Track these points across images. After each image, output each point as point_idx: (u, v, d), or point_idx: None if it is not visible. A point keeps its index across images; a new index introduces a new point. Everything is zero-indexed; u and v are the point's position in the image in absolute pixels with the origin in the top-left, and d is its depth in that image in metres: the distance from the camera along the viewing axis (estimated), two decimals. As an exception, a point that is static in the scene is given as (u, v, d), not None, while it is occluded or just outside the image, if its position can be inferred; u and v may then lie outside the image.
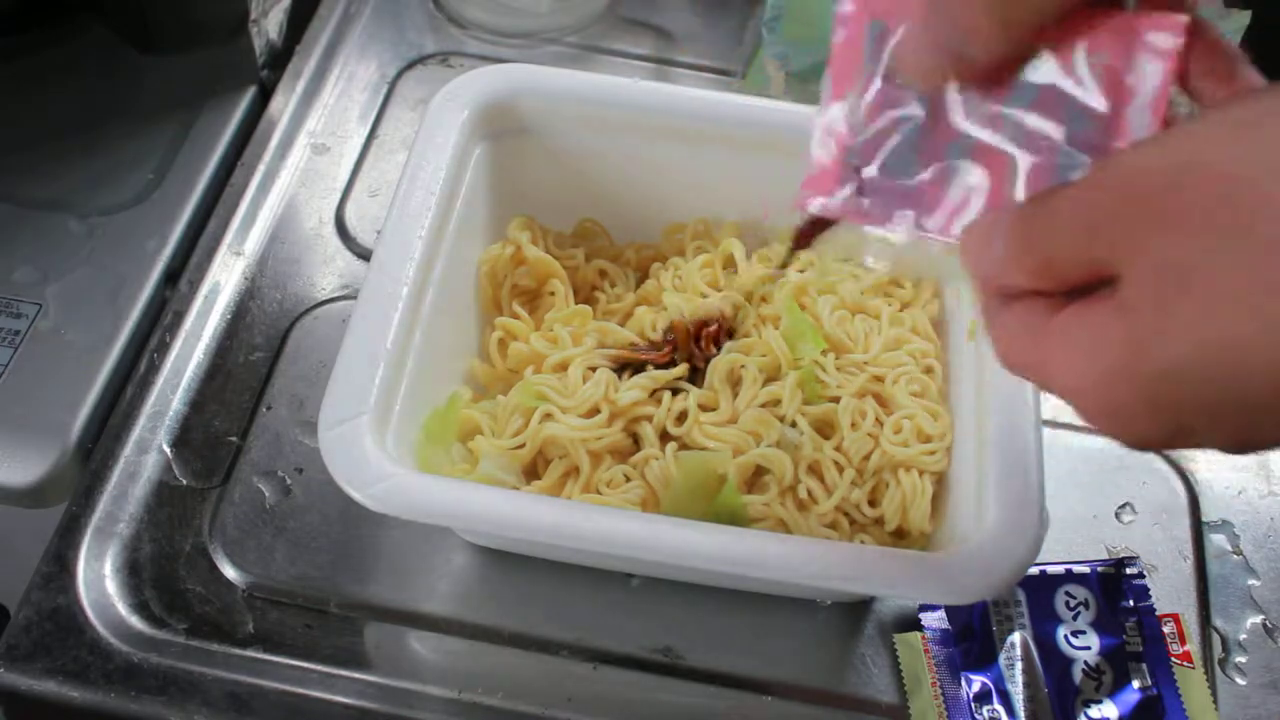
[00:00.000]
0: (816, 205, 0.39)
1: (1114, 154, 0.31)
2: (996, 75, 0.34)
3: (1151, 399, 0.30)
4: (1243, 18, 0.74)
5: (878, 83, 0.37)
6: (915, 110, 0.37)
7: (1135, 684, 0.56)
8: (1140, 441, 0.31)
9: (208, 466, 0.61)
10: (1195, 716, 0.56)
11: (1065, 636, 0.57)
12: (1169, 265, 0.28)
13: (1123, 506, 0.63)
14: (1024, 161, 0.35)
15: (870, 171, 0.38)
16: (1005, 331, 0.34)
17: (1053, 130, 0.34)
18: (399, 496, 0.48)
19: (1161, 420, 0.30)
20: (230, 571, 0.58)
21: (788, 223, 0.63)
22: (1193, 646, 0.58)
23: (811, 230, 0.43)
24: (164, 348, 0.65)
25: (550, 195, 0.64)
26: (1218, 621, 0.60)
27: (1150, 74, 0.33)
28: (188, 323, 0.66)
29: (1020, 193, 0.35)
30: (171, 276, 0.68)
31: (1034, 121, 0.35)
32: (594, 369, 0.56)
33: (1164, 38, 0.33)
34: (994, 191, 0.36)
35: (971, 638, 0.57)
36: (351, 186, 0.74)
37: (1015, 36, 0.33)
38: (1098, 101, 0.34)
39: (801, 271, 0.61)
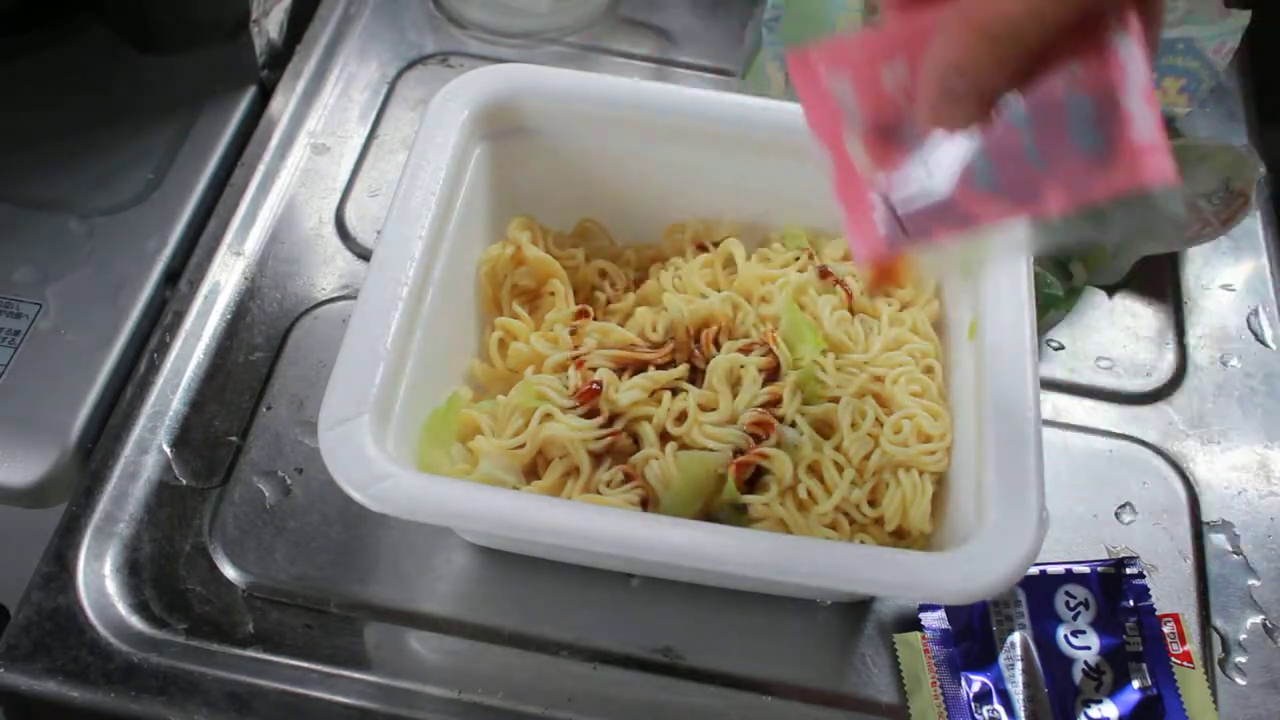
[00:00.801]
0: (870, 254, 0.44)
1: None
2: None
3: None
4: (1242, 18, 0.74)
5: (855, 127, 0.42)
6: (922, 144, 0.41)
7: (1135, 684, 0.56)
8: None
9: (208, 466, 0.61)
10: (1195, 716, 0.56)
11: (1065, 636, 0.57)
12: None
13: (1123, 506, 0.63)
14: (1033, 128, 0.38)
15: (906, 206, 0.42)
16: None
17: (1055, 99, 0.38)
18: (399, 496, 0.48)
19: None
20: (230, 571, 0.58)
21: (789, 222, 0.64)
22: (1193, 646, 0.58)
23: (883, 273, 0.48)
24: (164, 348, 0.65)
25: (550, 195, 0.64)
26: (1218, 621, 0.60)
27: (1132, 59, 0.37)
28: (188, 323, 0.66)
29: (1032, 142, 0.38)
30: (171, 276, 0.69)
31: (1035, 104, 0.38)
32: (594, 369, 0.56)
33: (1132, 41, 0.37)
34: (1010, 152, 0.39)
35: (971, 638, 0.57)
36: (351, 186, 0.74)
37: (1012, 75, 0.37)
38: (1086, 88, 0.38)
39: (801, 271, 0.61)
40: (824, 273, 0.60)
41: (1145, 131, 0.36)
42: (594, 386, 0.55)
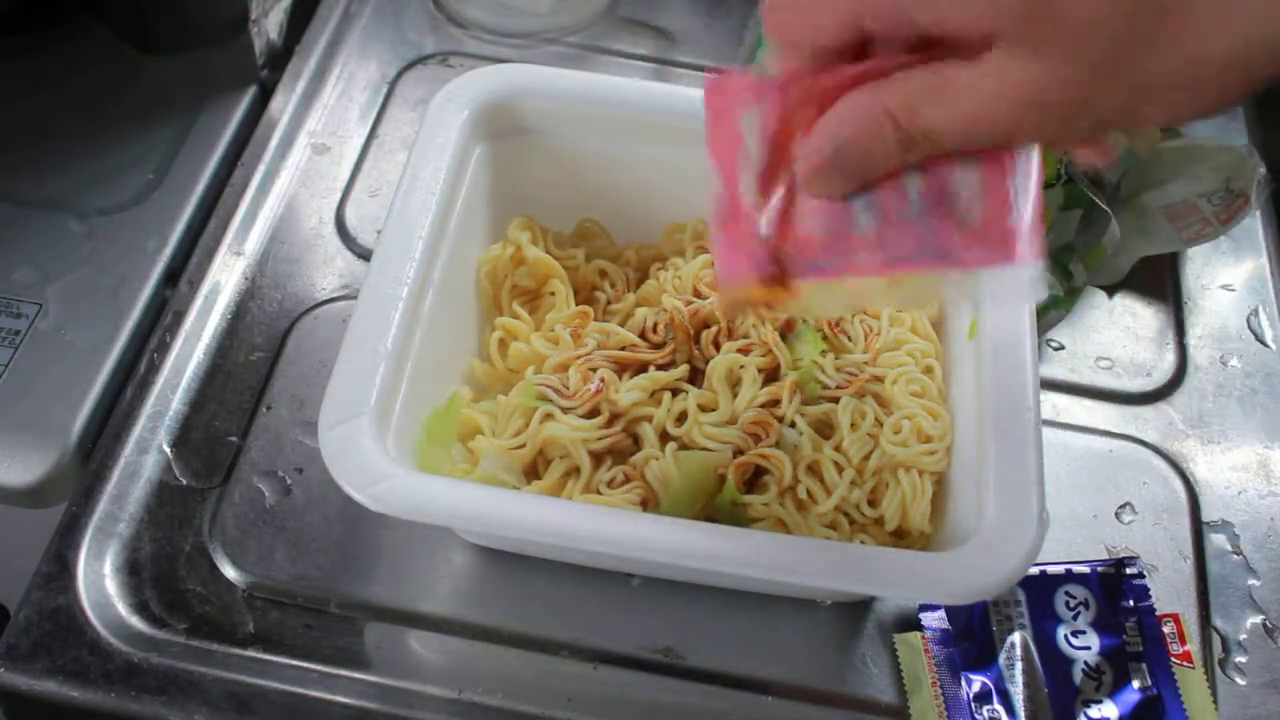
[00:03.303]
0: (744, 279, 0.42)
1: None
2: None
3: None
4: (1243, 18, 0.73)
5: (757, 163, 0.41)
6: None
7: (1135, 684, 0.56)
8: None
9: (208, 466, 0.61)
10: (1195, 716, 0.56)
11: (1065, 636, 0.57)
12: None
13: (1123, 506, 0.63)
14: (919, 182, 0.38)
15: (792, 243, 0.41)
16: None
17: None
18: (399, 496, 0.48)
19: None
20: (230, 571, 0.58)
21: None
22: (1193, 646, 0.58)
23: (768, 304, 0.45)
24: (164, 348, 0.65)
25: (550, 195, 0.64)
26: (1218, 621, 0.60)
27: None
28: (188, 323, 0.66)
29: (917, 204, 0.38)
30: (171, 276, 0.69)
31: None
32: (594, 369, 0.56)
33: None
34: (892, 212, 0.39)
35: (971, 638, 0.57)
36: (351, 186, 0.74)
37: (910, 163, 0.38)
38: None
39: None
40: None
41: (1022, 216, 0.38)
42: (598, 387, 0.55)
